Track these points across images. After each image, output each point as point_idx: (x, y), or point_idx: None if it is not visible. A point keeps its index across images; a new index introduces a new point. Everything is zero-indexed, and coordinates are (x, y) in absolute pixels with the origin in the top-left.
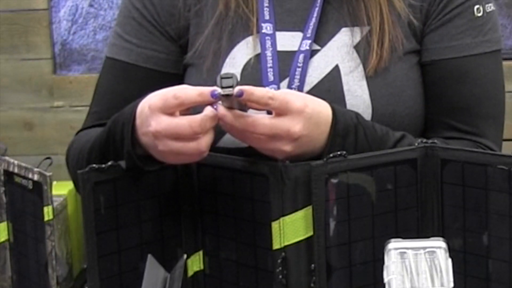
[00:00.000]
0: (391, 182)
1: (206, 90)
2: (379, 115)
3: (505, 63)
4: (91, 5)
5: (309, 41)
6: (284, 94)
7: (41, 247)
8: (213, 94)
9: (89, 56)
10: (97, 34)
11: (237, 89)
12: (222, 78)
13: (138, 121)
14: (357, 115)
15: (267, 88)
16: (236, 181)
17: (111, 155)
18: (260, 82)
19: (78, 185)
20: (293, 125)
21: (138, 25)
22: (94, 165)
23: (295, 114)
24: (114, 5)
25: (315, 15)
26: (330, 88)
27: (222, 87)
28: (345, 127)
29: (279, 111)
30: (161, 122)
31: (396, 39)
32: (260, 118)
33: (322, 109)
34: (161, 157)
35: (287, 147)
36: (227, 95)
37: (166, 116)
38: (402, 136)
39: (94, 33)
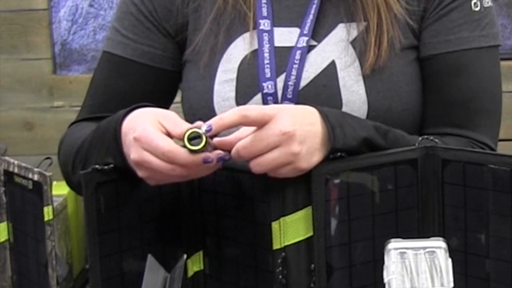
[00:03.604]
0: (392, 182)
1: (198, 159)
2: (375, 110)
3: (505, 63)
4: (91, 5)
5: (306, 38)
6: (258, 112)
7: (41, 247)
8: (206, 160)
9: (89, 56)
10: (97, 34)
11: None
12: (189, 139)
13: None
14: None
15: (237, 130)
16: (236, 181)
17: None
18: (256, 78)
19: (69, 180)
20: (281, 123)
21: (136, 20)
22: (96, 166)
23: (275, 117)
24: (114, 5)
25: (312, 12)
26: (326, 83)
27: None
28: (334, 115)
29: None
30: (145, 130)
31: (394, 36)
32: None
33: (299, 106)
34: (136, 167)
35: (294, 147)
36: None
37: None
38: (390, 129)
39: (94, 33)
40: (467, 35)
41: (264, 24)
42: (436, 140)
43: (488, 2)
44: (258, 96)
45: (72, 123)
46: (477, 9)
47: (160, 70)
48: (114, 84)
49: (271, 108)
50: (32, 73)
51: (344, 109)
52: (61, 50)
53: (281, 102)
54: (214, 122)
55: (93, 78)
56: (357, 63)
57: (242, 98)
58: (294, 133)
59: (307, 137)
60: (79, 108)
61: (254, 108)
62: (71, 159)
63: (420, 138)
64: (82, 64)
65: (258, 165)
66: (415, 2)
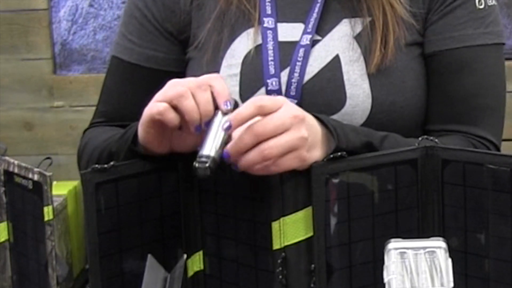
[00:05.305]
0: (392, 183)
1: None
2: (379, 105)
3: (505, 63)
4: (91, 5)
5: (309, 36)
6: (272, 101)
7: (41, 247)
8: (197, 128)
9: (89, 56)
10: (97, 34)
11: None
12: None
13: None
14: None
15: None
16: (236, 181)
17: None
18: (260, 72)
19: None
20: (292, 108)
21: (139, 24)
22: (96, 166)
23: (285, 103)
24: (114, 5)
25: (316, 10)
26: (330, 77)
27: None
28: (332, 120)
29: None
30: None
31: (399, 34)
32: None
33: None
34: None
35: (303, 131)
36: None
37: None
38: (386, 135)
39: (94, 33)
40: (471, 32)
41: (268, 22)
42: (436, 140)
43: (492, 1)
44: (262, 91)
45: (87, 129)
46: (481, 7)
47: (167, 73)
48: (125, 89)
49: (280, 97)
50: (32, 73)
51: (348, 102)
52: (61, 50)
53: None
54: (232, 118)
55: (104, 83)
56: (361, 58)
57: (246, 92)
58: (304, 118)
59: (312, 127)
60: (79, 108)
61: (267, 98)
62: (95, 160)
63: (420, 138)
64: (82, 64)
65: (268, 148)
66: (419, 4)
